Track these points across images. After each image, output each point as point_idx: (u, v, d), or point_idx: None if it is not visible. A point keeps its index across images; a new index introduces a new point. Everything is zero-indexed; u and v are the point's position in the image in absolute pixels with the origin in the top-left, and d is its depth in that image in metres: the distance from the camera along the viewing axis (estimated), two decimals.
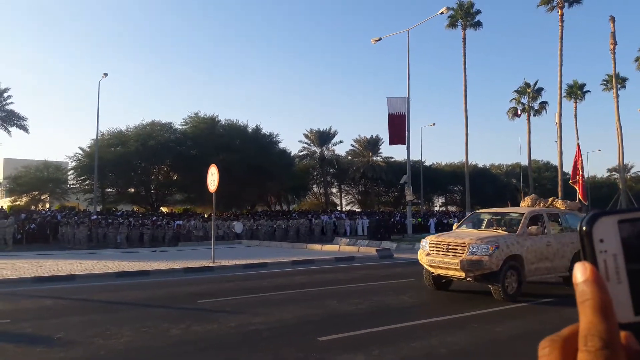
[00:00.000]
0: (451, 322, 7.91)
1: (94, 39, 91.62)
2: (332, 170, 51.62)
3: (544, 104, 41.96)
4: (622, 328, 0.48)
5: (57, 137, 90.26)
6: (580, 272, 0.49)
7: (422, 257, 10.79)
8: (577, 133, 43.06)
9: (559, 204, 11.95)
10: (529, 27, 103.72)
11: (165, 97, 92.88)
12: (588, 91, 46.56)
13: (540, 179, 57.91)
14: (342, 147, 74.39)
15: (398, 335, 7.15)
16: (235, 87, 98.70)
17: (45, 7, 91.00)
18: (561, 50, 32.13)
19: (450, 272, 10.17)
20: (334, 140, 51.60)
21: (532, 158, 42.45)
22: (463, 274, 9.88)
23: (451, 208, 64.37)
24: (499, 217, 11.99)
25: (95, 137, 33.27)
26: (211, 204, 17.56)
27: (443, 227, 42.52)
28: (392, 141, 30.62)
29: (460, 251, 9.91)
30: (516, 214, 11.35)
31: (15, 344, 6.42)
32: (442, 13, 28.65)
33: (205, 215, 33.83)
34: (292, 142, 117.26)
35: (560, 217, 11.80)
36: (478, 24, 37.47)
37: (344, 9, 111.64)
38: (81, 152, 37.99)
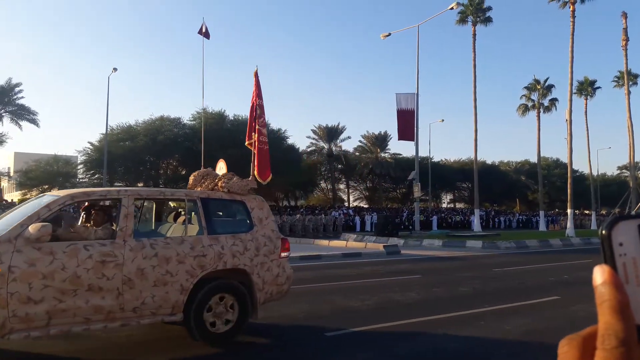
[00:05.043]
0: (460, 318, 7.87)
1: (105, 34, 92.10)
2: (339, 166, 51.60)
3: (554, 100, 41.50)
4: None
5: (67, 131, 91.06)
6: (599, 275, 0.50)
7: None
8: (588, 130, 42.72)
9: (220, 184, 7.00)
10: (540, 23, 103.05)
11: (174, 93, 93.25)
12: (599, 88, 46.02)
13: (550, 176, 57.57)
14: (350, 143, 74.52)
15: (405, 330, 7.12)
16: (243, 82, 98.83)
17: (57, 2, 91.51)
18: (572, 46, 31.75)
19: None
20: (342, 136, 51.66)
21: (542, 155, 42.02)
22: None
23: (459, 205, 64.27)
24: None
25: (104, 131, 33.50)
26: None
27: (448, 224, 42.52)
28: (401, 137, 30.51)
29: None
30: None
31: None
32: (452, 9, 28.43)
33: None
34: (300, 138, 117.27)
35: (188, 206, 6.68)
36: (488, 20, 37.07)
37: (354, 4, 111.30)
38: (91, 147, 38.32)
